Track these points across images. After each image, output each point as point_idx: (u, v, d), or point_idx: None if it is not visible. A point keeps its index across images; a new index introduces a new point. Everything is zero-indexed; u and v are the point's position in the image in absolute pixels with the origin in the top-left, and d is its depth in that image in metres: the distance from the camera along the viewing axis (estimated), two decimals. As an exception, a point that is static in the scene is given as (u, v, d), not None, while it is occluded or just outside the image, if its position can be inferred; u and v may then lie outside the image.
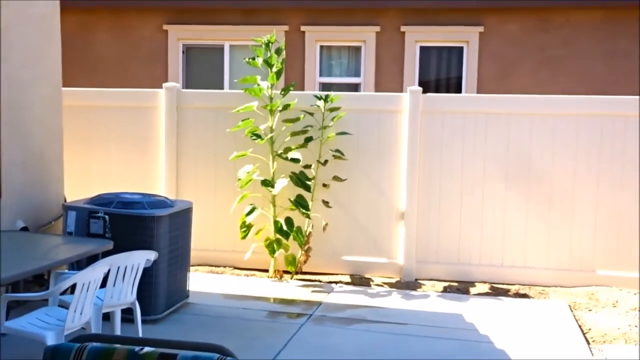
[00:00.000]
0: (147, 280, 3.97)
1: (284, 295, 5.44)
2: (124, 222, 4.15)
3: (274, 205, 5.83)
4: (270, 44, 5.70)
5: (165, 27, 9.61)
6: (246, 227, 5.64)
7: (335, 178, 5.88)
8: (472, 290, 5.87)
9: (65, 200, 4.99)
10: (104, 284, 3.16)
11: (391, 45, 9.14)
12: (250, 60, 5.72)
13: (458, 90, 9.12)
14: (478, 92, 8.76)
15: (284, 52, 5.80)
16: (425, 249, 6.09)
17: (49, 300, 3.22)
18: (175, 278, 4.55)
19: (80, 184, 6.58)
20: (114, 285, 3.16)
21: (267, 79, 5.71)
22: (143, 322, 3.95)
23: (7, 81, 4.35)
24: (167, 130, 6.34)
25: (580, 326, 4.87)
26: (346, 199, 6.13)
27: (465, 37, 8.97)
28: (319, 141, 5.95)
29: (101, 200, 4.32)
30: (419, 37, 9.09)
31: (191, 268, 6.30)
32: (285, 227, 5.56)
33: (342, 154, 5.83)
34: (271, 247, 5.65)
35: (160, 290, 4.34)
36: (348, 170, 6.04)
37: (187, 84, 9.68)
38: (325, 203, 5.84)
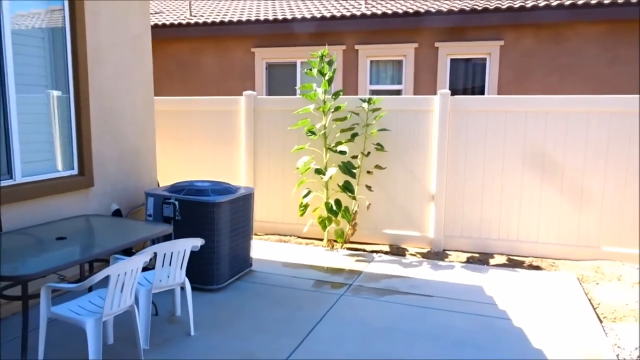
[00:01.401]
0: (209, 256, 3.41)
1: (331, 263, 4.76)
2: (191, 207, 3.59)
3: (327, 189, 5.13)
4: (323, 57, 4.94)
5: (252, 49, 9.04)
6: (304, 207, 4.99)
7: (377, 166, 5.11)
8: (492, 261, 4.97)
9: (158, 187, 4.49)
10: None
11: (427, 58, 8.12)
12: (308, 71, 4.99)
13: (481, 93, 8.00)
14: (498, 95, 7.62)
15: (335, 63, 5.03)
16: (452, 225, 5.24)
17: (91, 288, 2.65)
18: (238, 252, 3.95)
19: (180, 173, 6.21)
20: (162, 267, 2.58)
21: (321, 85, 4.96)
22: (208, 291, 3.42)
23: (103, 91, 3.87)
24: (246, 128, 5.80)
25: (589, 300, 3.91)
26: (386, 183, 5.36)
27: (488, 50, 7.80)
28: (363, 136, 5.18)
29: (175, 188, 3.78)
30: (450, 51, 8.00)
31: (264, 237, 5.86)
32: (334, 207, 4.85)
33: (382, 147, 5.04)
34: (323, 223, 4.97)
35: (222, 264, 3.74)
36: (387, 160, 5.27)
37: (269, 93, 9.11)
38: (368, 187, 5.09)
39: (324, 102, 5.08)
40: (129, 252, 3.68)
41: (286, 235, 5.83)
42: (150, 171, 4.36)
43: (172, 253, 2.53)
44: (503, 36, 7.76)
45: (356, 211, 5.22)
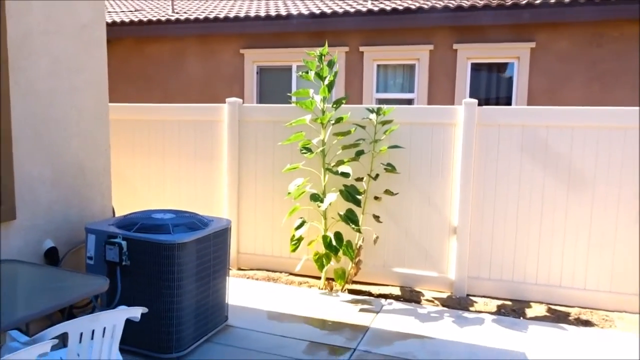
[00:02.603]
0: (166, 315, 2.72)
1: (330, 314, 4.07)
2: (144, 248, 2.86)
3: (325, 218, 4.47)
4: (322, 57, 4.33)
5: (242, 51, 8.47)
6: (296, 241, 4.32)
7: (387, 192, 4.46)
8: (529, 312, 4.29)
9: (114, 216, 3.80)
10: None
11: (444, 62, 7.53)
12: (304, 74, 4.37)
13: (508, 105, 7.38)
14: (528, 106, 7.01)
15: (337, 65, 4.41)
16: (478, 265, 4.58)
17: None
18: (208, 305, 3.24)
19: (150, 197, 5.55)
20: (78, 354, 1.89)
21: (319, 92, 4.33)
22: (162, 361, 2.72)
23: (31, 92, 3.17)
24: (229, 142, 5.18)
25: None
26: (397, 212, 4.71)
27: (516, 53, 7.22)
28: (370, 154, 4.54)
29: (126, 222, 3.06)
30: (471, 54, 7.42)
31: (249, 272, 5.20)
32: (334, 242, 4.18)
33: (394, 167, 4.39)
34: (320, 261, 4.30)
35: (185, 324, 3.01)
36: (399, 184, 4.63)
37: (261, 101, 8.51)
38: (376, 218, 4.43)
39: (323, 112, 4.45)
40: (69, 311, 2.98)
41: (276, 272, 5.18)
42: (103, 197, 3.66)
43: (93, 331, 1.84)
44: (535, 37, 7.17)
45: (360, 246, 4.56)
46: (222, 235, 3.12)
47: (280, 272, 5.16)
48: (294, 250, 4.37)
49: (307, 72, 4.40)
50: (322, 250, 4.42)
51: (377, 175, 4.44)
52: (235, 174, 5.21)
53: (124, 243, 2.76)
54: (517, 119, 4.39)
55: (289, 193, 4.27)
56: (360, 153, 4.37)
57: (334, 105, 4.40)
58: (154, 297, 2.75)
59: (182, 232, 2.84)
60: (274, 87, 8.47)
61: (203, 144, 5.36)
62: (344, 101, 4.39)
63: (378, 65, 7.93)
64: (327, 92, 4.23)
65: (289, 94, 4.46)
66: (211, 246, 3.01)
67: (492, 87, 7.55)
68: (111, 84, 9.61)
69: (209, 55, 8.68)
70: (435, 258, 4.71)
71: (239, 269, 5.31)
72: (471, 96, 7.44)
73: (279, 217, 5.11)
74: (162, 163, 5.54)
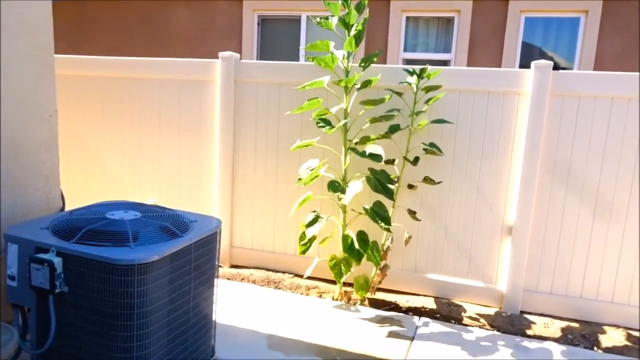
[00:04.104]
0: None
1: (350, 341, 3.39)
2: (89, 269, 2.04)
3: (344, 212, 3.74)
4: (348, -2, 3.52)
5: (240, -4, 7.59)
6: (308, 241, 3.60)
7: (427, 180, 3.74)
8: (603, 338, 3.65)
9: (63, 208, 3.01)
10: None
11: (490, 16, 6.67)
12: (323, 20, 3.57)
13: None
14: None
15: (366, 10, 3.59)
16: (537, 275, 3.93)
17: None
18: (185, 345, 2.44)
19: (122, 181, 4.84)
20: None
21: (343, 46, 3.54)
22: None
23: None
24: (222, 108, 4.45)
25: None
26: (435, 205, 4.03)
27: (584, 6, 6.33)
28: (407, 131, 3.78)
29: (65, 225, 2.21)
30: (526, 4, 6.53)
31: (245, 272, 4.55)
32: (357, 245, 3.46)
33: (439, 148, 3.64)
34: (337, 268, 3.61)
35: None
36: (440, 169, 3.95)
37: (262, 59, 7.68)
38: (412, 214, 3.71)
39: (347, 72, 3.67)
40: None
41: (277, 272, 4.57)
42: (47, 180, 2.89)
43: None
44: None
45: (388, 247, 3.88)
46: (209, 244, 2.36)
47: (283, 272, 4.54)
48: (303, 252, 3.67)
49: (327, 19, 3.60)
50: (339, 253, 3.72)
51: (417, 158, 3.69)
52: (229, 149, 4.49)
53: (57, 261, 1.98)
54: (605, 89, 3.61)
55: (300, 179, 3.53)
56: (395, 129, 3.62)
57: (363, 64, 3.61)
58: (104, 339, 2.02)
59: (148, 244, 2.06)
60: (279, 42, 7.63)
61: (190, 111, 4.61)
62: (375, 58, 3.61)
63: (407, 18, 7.08)
64: (354, 46, 3.44)
65: (302, 48, 3.66)
66: (192, 261, 2.25)
67: (547, 48, 6.68)
68: (87, 36, 8.85)
69: (201, 2, 7.81)
70: (481, 264, 4.02)
71: (232, 266, 4.68)
72: (522, 61, 6.61)
73: (283, 206, 4.42)
74: (139, 134, 4.81)
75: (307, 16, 7.34)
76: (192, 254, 2.24)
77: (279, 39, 7.66)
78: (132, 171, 4.90)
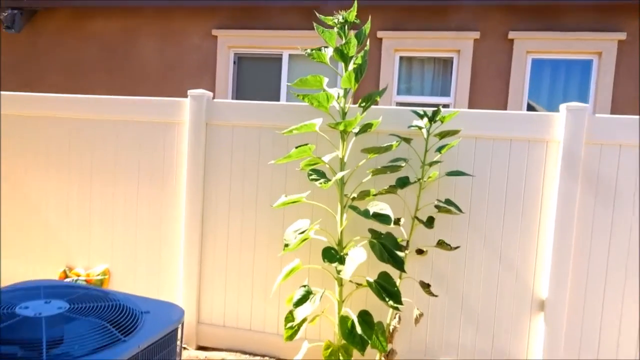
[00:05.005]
0: None
1: None
2: None
3: (340, 285, 3.17)
4: (346, 25, 3.09)
5: (214, 32, 7.23)
6: (297, 325, 2.98)
7: (442, 244, 3.22)
8: None
9: None
10: None
11: (494, 57, 6.41)
12: (315, 52, 3.12)
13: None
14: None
15: (368, 41, 3.16)
16: (576, 357, 3.38)
17: None
18: None
19: (61, 238, 4.26)
20: None
21: (338, 83, 3.08)
22: None
23: None
24: (191, 154, 3.96)
25: None
26: (449, 274, 3.55)
27: (597, 47, 6.12)
28: (415, 185, 3.29)
29: None
30: (534, 45, 6.31)
31: (217, 355, 3.91)
32: (359, 329, 2.87)
33: (457, 207, 3.14)
34: (334, 358, 2.97)
35: None
36: (455, 230, 3.52)
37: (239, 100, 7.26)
38: (426, 287, 3.18)
39: (344, 113, 3.20)
40: None
41: (256, 356, 3.99)
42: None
43: None
44: (624, 25, 6.09)
45: (395, 328, 3.31)
46: (166, 347, 1.72)
47: (263, 355, 3.95)
48: (290, 338, 3.05)
49: (319, 50, 3.16)
50: (333, 335, 3.13)
51: (432, 219, 3.18)
52: (198, 205, 3.94)
53: None
54: (645, 136, 3.22)
55: (286, 246, 2.97)
56: (405, 183, 3.13)
57: (363, 104, 3.15)
58: None
59: (72, 357, 1.46)
60: (258, 83, 7.23)
61: (151, 159, 4.09)
62: (378, 97, 3.15)
63: (401, 58, 6.76)
64: (353, 82, 2.98)
65: (288, 84, 3.19)
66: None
67: (557, 91, 6.40)
68: (37, 72, 8.34)
69: (172, 36, 7.43)
70: (506, 346, 3.48)
71: (200, 348, 4.06)
72: (529, 104, 6.32)
73: (262, 274, 3.85)
74: (89, 185, 4.24)
75: (289, 55, 6.99)
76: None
77: (257, 79, 7.26)
78: (80, 228, 4.28)
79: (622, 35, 6.05)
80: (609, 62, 6.06)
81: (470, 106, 6.39)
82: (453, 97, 6.51)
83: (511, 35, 6.37)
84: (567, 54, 6.29)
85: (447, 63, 6.66)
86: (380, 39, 6.65)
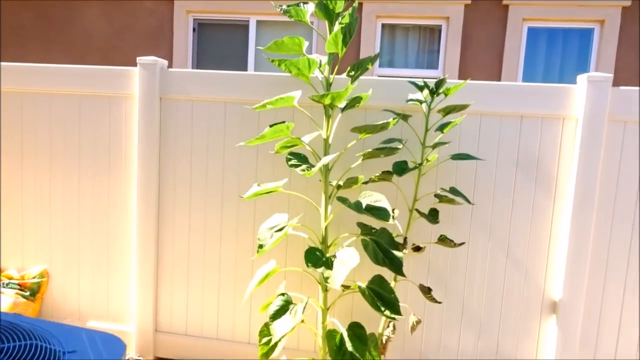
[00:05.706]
0: None
1: None
2: None
3: (325, 290, 2.77)
4: (332, -24, 2.64)
5: (171, -6, 6.67)
6: (273, 345, 2.57)
7: (444, 240, 2.86)
8: None
9: None
10: None
11: (486, 24, 6.04)
12: (293, 8, 2.66)
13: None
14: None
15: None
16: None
17: None
18: None
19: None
20: None
21: (320, 48, 2.64)
22: None
23: None
24: (142, 134, 3.49)
25: None
26: (448, 272, 3.26)
27: (599, 15, 5.84)
28: (416, 170, 2.91)
29: None
30: (529, 12, 6.01)
31: (175, 371, 3.51)
32: (349, 345, 2.49)
33: (465, 197, 2.78)
34: (319, 380, 2.60)
35: None
36: (455, 223, 3.22)
37: (199, 73, 6.76)
38: (426, 292, 2.81)
39: (329, 84, 2.77)
40: None
41: None
42: None
43: None
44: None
45: (388, 338, 2.95)
46: None
47: (232, 367, 3.53)
48: (265, 356, 2.64)
49: (297, 6, 2.70)
50: (320, 353, 2.74)
51: (436, 212, 2.80)
52: (153, 194, 3.48)
53: None
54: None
55: (261, 247, 2.54)
56: (403, 168, 2.72)
57: (353, 73, 2.72)
58: None
59: None
60: (221, 52, 6.71)
61: (95, 139, 3.58)
62: (369, 65, 2.73)
63: (384, 26, 6.34)
64: (340, 45, 2.54)
65: (261, 48, 2.74)
66: None
67: (555, 62, 6.12)
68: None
69: (120, 1, 6.82)
70: (512, 352, 3.18)
71: (158, 359, 3.61)
72: (525, 76, 6.02)
73: (230, 275, 3.44)
74: (19, 174, 3.70)
75: (257, 21, 6.48)
76: None
77: (221, 49, 6.74)
78: (10, 223, 3.76)
79: (627, 2, 5.81)
80: (611, 31, 5.80)
81: (461, 80, 6.08)
82: (441, 70, 6.16)
83: (505, 1, 6.06)
84: (566, 22, 6.02)
85: (434, 32, 6.29)
86: (361, 4, 6.22)
